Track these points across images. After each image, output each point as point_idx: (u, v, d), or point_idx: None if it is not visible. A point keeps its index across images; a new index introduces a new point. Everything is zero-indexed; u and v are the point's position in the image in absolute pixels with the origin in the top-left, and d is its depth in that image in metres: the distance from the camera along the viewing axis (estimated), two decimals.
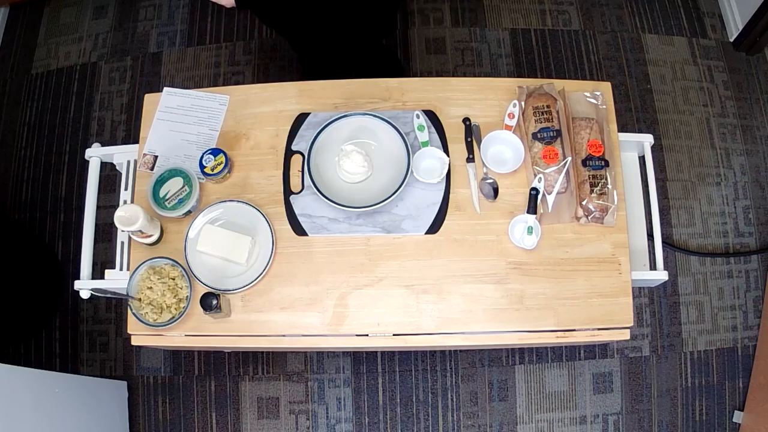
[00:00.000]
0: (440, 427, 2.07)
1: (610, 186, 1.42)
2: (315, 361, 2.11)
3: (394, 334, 1.38)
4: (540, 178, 1.42)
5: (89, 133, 2.43)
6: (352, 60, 1.97)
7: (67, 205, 2.35)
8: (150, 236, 1.39)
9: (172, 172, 1.43)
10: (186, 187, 1.42)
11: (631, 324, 1.38)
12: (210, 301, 1.29)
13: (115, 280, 1.47)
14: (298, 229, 1.43)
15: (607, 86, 1.54)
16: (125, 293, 1.37)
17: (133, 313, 1.36)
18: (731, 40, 2.49)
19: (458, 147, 1.49)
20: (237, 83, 1.53)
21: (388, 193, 1.39)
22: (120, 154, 1.57)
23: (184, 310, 1.36)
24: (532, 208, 1.38)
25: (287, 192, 1.46)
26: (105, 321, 2.20)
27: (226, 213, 1.44)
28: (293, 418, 2.08)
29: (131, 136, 2.39)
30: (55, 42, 2.60)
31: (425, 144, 1.47)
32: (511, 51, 2.50)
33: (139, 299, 1.37)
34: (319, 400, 2.09)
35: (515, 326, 1.38)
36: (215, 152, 1.44)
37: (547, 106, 1.46)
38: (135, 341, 1.41)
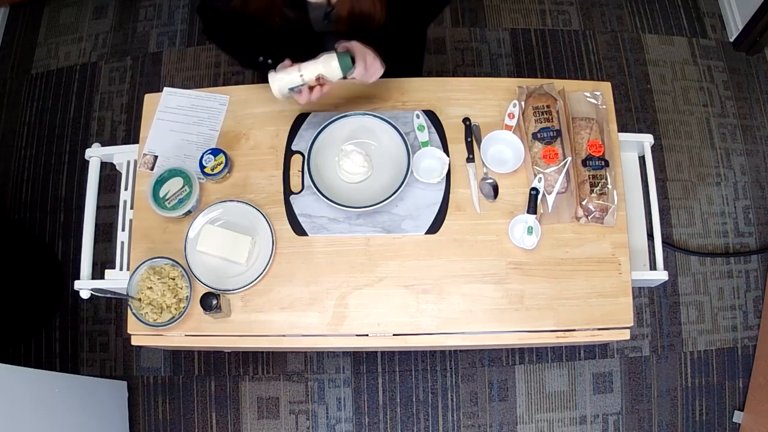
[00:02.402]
0: (440, 427, 2.07)
1: (610, 186, 1.42)
2: (315, 361, 2.11)
3: (394, 334, 1.38)
4: (540, 178, 1.42)
5: (89, 133, 2.43)
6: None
7: (67, 205, 2.35)
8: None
9: (172, 172, 1.43)
10: (186, 187, 1.42)
11: (631, 324, 1.38)
12: (210, 301, 1.29)
13: (115, 280, 1.47)
14: (298, 229, 1.43)
15: (607, 86, 1.54)
16: (125, 293, 1.37)
17: (133, 313, 1.36)
18: (731, 40, 2.49)
19: (458, 147, 1.49)
20: (237, 83, 1.53)
21: (388, 193, 1.39)
22: (120, 154, 1.57)
23: (184, 310, 1.36)
24: (532, 208, 1.38)
25: (287, 192, 1.46)
26: (105, 321, 2.20)
27: (226, 213, 1.44)
28: (293, 418, 2.08)
29: (131, 136, 2.40)
30: (55, 42, 2.60)
31: (425, 144, 1.47)
32: (511, 51, 2.50)
33: (139, 299, 1.37)
34: (319, 400, 2.09)
35: (515, 326, 1.38)
36: (215, 152, 1.44)
37: (547, 106, 1.46)
38: (135, 341, 1.41)
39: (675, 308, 2.17)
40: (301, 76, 1.28)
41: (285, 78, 1.29)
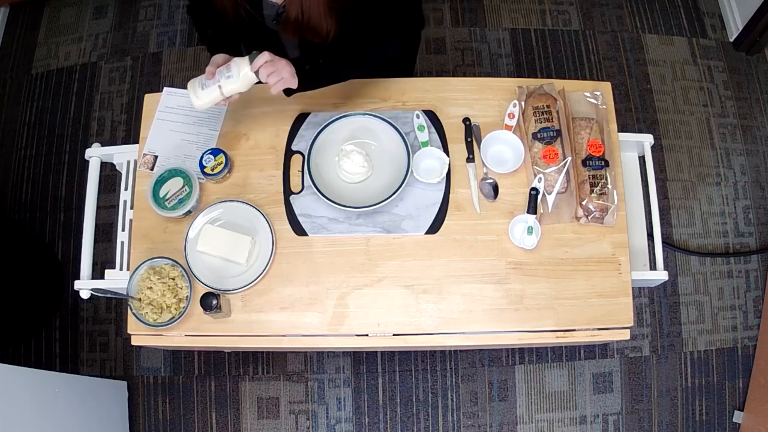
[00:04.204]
0: (440, 427, 2.07)
1: (610, 186, 1.42)
2: (315, 361, 2.11)
3: (394, 334, 1.38)
4: (540, 178, 1.42)
5: (89, 133, 2.43)
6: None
7: (67, 205, 2.35)
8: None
9: (172, 172, 1.43)
10: (186, 187, 1.42)
11: (631, 324, 1.38)
12: (210, 301, 1.29)
13: (115, 280, 1.47)
14: (298, 229, 1.43)
15: (607, 86, 1.54)
16: (125, 293, 1.37)
17: (133, 313, 1.36)
18: (731, 40, 2.49)
19: (458, 147, 1.49)
20: None
21: (388, 193, 1.39)
22: (120, 154, 1.57)
23: (184, 310, 1.36)
24: (532, 208, 1.38)
25: (287, 192, 1.46)
26: (105, 321, 2.20)
27: (226, 213, 1.44)
28: (293, 418, 2.08)
29: (131, 136, 2.39)
30: (55, 42, 2.60)
31: (425, 144, 1.47)
32: (511, 51, 2.50)
33: (139, 299, 1.37)
34: (319, 400, 2.09)
35: (515, 326, 1.38)
36: (215, 152, 1.44)
37: (547, 106, 1.46)
38: (135, 341, 1.41)
39: (675, 308, 2.17)
40: (222, 92, 1.29)
41: (208, 97, 1.31)
